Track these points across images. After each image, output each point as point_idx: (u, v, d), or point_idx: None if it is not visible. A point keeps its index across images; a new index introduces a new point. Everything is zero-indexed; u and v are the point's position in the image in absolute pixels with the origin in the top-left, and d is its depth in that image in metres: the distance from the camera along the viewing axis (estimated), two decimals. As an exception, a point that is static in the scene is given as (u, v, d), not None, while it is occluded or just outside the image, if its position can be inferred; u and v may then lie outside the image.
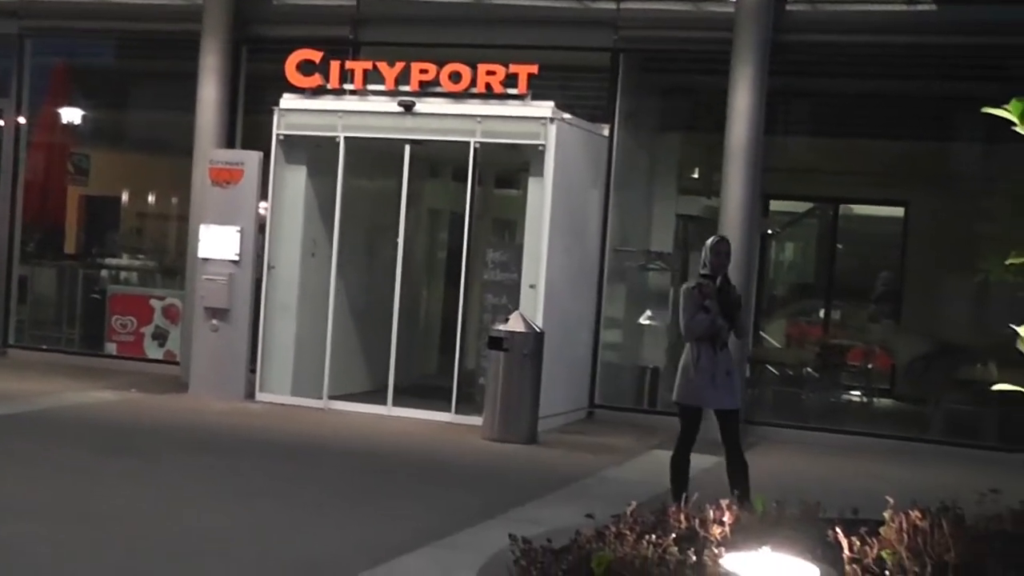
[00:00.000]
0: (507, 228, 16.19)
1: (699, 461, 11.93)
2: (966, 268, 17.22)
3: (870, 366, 17.36)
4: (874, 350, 17.94)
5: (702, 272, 9.14)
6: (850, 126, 16.24)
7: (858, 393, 16.84)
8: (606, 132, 14.65)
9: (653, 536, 6.45)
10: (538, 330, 12.54)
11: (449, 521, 8.74)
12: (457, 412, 13.31)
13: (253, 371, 14.20)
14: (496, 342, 12.40)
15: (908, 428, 14.77)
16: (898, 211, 18.92)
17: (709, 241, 9.21)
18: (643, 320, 15.88)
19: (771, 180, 14.79)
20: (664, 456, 12.32)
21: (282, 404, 13.88)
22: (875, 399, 16.98)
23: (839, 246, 19.10)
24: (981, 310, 17.82)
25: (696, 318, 9.01)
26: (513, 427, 12.35)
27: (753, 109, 13.65)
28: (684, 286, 9.26)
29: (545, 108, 13.15)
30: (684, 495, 9.07)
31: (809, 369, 16.53)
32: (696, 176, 17.28)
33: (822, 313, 18.89)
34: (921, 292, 18.24)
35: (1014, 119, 6.16)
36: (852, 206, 19.46)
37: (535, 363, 12.43)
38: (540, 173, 13.29)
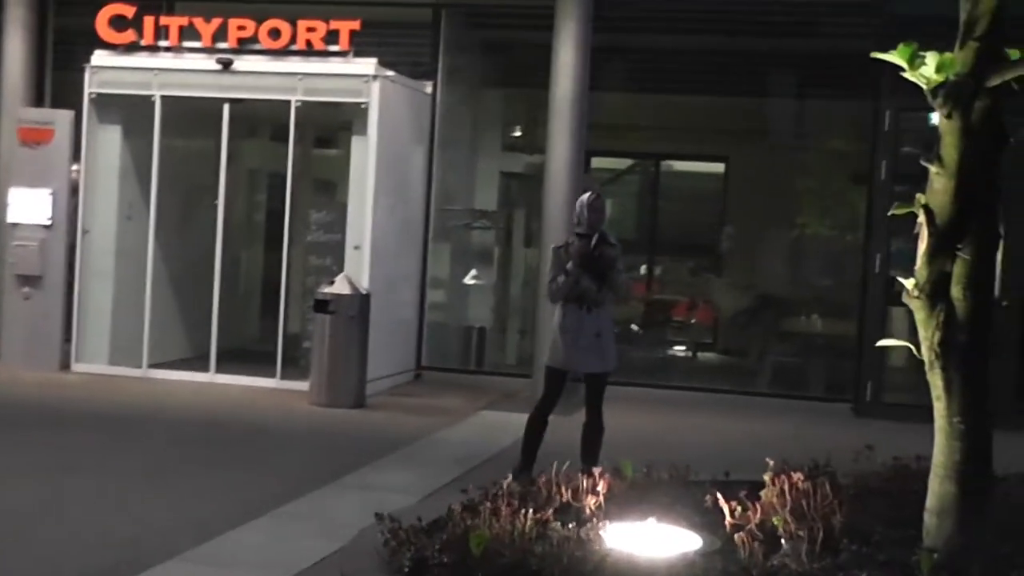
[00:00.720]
0: (330, 188, 15.89)
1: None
2: (784, 222, 17.53)
3: (693, 321, 17.61)
4: (697, 305, 18.16)
5: (577, 231, 8.90)
6: (671, 82, 16.32)
7: (683, 348, 17.08)
8: (429, 89, 14.45)
9: (530, 511, 6.21)
10: (364, 292, 12.33)
11: (281, 490, 8.51)
12: (282, 377, 13.03)
13: (68, 340, 13.66)
14: (321, 305, 12.15)
15: (734, 381, 14.98)
16: (719, 167, 19.18)
17: (584, 197, 8.93)
18: (468, 280, 15.79)
19: (593, 137, 14.68)
20: (493, 417, 12.34)
21: (100, 374, 13.38)
22: (700, 353, 17.23)
23: (661, 202, 19.26)
24: (799, 263, 18.18)
25: (553, 283, 8.86)
26: (340, 391, 12.13)
27: (577, 65, 13.58)
28: (553, 245, 9.04)
29: (368, 65, 12.89)
30: (533, 459, 9.02)
31: (634, 326, 16.66)
32: (520, 133, 17.20)
33: (644, 269, 19.04)
34: (742, 246, 18.51)
35: (902, 64, 6.13)
36: (673, 162, 19.62)
37: (361, 325, 12.23)
38: (363, 132, 13.04)
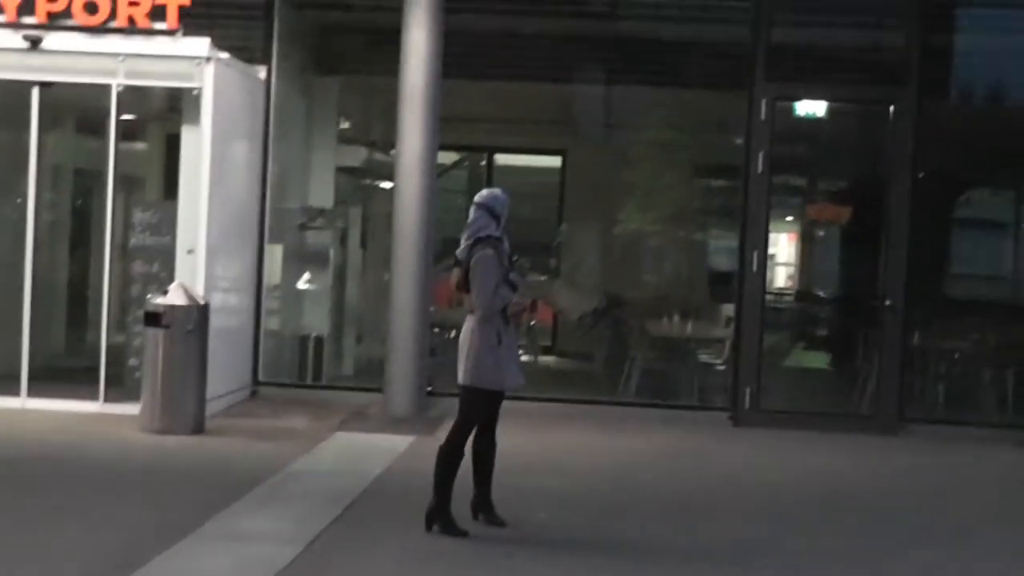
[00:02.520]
0: (158, 185, 14.31)
1: (392, 443, 10.81)
2: (634, 219, 16.69)
3: (532, 323, 16.48)
4: (535, 306, 17.13)
5: (491, 234, 7.71)
6: (506, 68, 15.11)
7: (520, 352, 15.85)
8: (263, 75, 13.03)
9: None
10: (202, 302, 10.88)
11: (126, 547, 7.04)
12: (107, 400, 11.43)
13: None
14: (153, 318, 10.64)
15: (596, 390, 13.97)
16: (556, 160, 18.32)
17: (501, 194, 7.85)
18: (302, 284, 14.41)
19: None
20: (350, 440, 11.03)
21: None
22: (539, 357, 16.18)
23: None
24: (640, 261, 17.39)
25: (500, 291, 7.64)
26: (177, 415, 10.65)
27: (430, 50, 12.30)
28: (482, 251, 7.64)
29: (200, 46, 11.41)
30: (450, 495, 7.84)
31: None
32: (357, 125, 15.88)
33: None
34: (583, 245, 17.69)
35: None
36: (508, 155, 18.66)
37: (200, 341, 10.77)
38: (196, 121, 11.58)
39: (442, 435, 11.17)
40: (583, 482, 9.58)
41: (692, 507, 8.97)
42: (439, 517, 7.71)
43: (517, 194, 19.40)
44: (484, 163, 18.48)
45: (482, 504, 7.99)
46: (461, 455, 7.82)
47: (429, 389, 12.68)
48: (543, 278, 18.15)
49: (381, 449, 10.56)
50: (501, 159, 18.56)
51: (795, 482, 10.07)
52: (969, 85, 14.05)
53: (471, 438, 7.90)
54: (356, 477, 9.30)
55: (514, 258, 7.81)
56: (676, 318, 14.98)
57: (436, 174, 12.89)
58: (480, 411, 7.84)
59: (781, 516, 8.84)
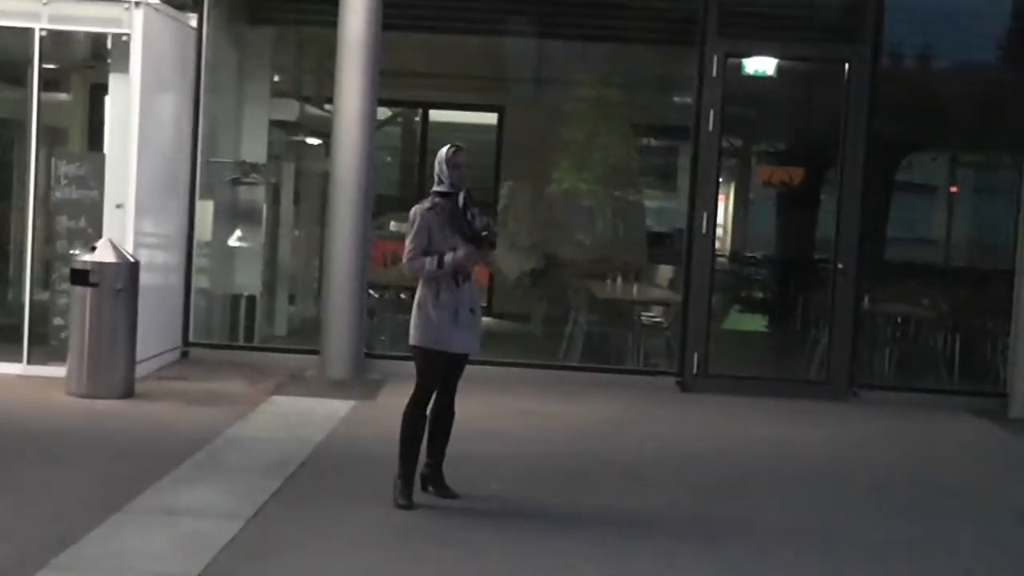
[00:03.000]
0: (84, 135, 13.66)
1: (331, 408, 10.36)
2: (560, 178, 16.29)
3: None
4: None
5: (438, 189, 7.36)
6: (444, 21, 14.47)
7: (475, 316, 15.37)
8: (194, 23, 12.43)
9: None
10: (132, 260, 10.33)
11: (57, 523, 6.56)
12: (31, 362, 10.86)
13: None
14: (81, 276, 10.06)
15: (540, 354, 13.56)
16: (492, 117, 17.87)
17: (442, 152, 7.38)
18: (233, 241, 13.87)
19: None
20: (287, 404, 10.55)
21: None
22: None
23: (429, 157, 17.76)
24: (580, 221, 17.02)
25: (416, 261, 7.28)
26: (105, 378, 10.11)
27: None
28: (416, 207, 7.38)
29: (130, -11, 10.84)
30: (416, 466, 7.45)
31: (404, 295, 14.75)
32: (291, 77, 15.30)
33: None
34: (520, 204, 17.26)
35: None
36: (443, 112, 18.15)
37: (129, 300, 10.22)
38: (124, 69, 10.97)
39: (383, 399, 10.95)
40: (532, 451, 9.21)
41: (648, 478, 8.62)
42: (404, 494, 7.33)
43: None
44: (418, 119, 18.00)
45: (433, 475, 7.59)
46: (418, 420, 7.42)
47: (367, 352, 12.26)
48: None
49: (320, 415, 10.11)
50: (436, 115, 18.05)
51: (749, 451, 9.75)
52: (929, 45, 13.70)
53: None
54: (296, 444, 8.85)
55: (469, 211, 7.35)
56: (619, 280, 14.63)
57: (375, 129, 12.39)
58: (426, 373, 7.42)
59: (742, 489, 8.51)
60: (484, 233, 7.28)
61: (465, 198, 7.33)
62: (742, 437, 10.32)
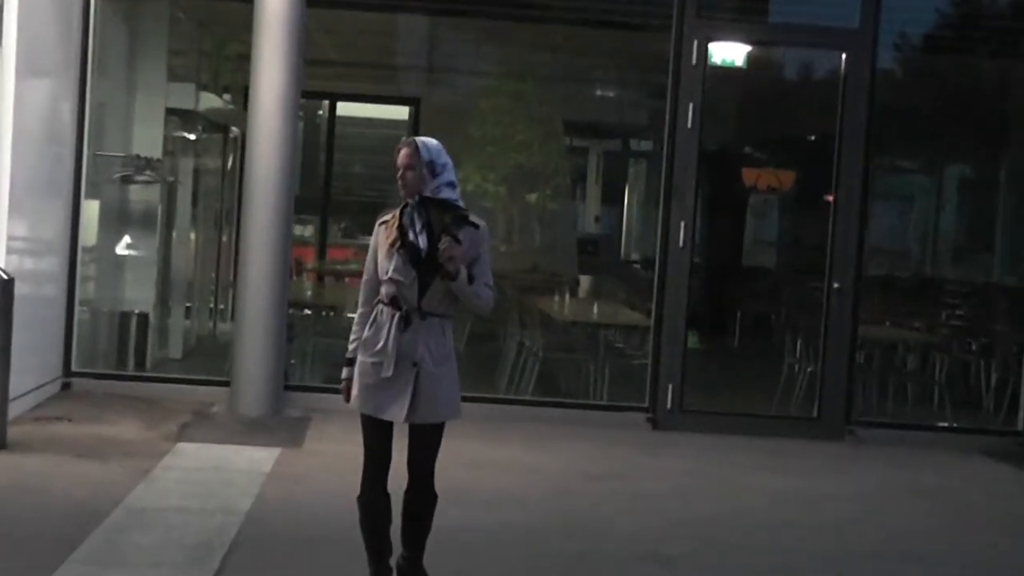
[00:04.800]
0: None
1: (252, 459, 8.48)
2: (484, 179, 14.59)
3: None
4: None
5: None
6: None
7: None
8: (81, -9, 10.47)
9: None
10: (5, 277, 8.32)
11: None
12: None
13: None
14: (-61, 296, 8.06)
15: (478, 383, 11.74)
16: (405, 111, 16.23)
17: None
18: (122, 249, 11.88)
19: (243, 72, 11.21)
20: (197, 454, 8.58)
21: None
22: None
23: (337, 153, 16.04)
24: (514, 230, 15.41)
25: (365, 282, 5.63)
26: (-31, 424, 8.11)
27: (294, -34, 9.98)
28: (380, 218, 5.67)
29: (3, -56, 8.82)
30: (387, 551, 5.64)
31: (307, 309, 12.71)
32: (194, 58, 13.27)
33: (314, 233, 15.81)
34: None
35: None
36: (353, 104, 16.37)
37: (3, 326, 8.23)
38: (-4, 42, 8.99)
39: (312, 445, 9.05)
40: (507, 521, 7.41)
41: (674, 561, 6.85)
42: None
43: (361, 148, 17.59)
44: (323, 112, 16.23)
45: (410, 571, 5.75)
46: (366, 503, 5.61)
47: (285, 383, 10.36)
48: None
49: (241, 468, 8.22)
50: (345, 108, 16.25)
51: (769, 514, 8.08)
52: (933, 34, 12.13)
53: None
54: (221, 517, 6.94)
55: (414, 227, 5.49)
56: (567, 297, 12.98)
57: (298, 119, 10.51)
58: (366, 441, 5.62)
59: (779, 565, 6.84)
60: (430, 251, 5.44)
61: (414, 210, 5.50)
62: (750, 492, 8.64)
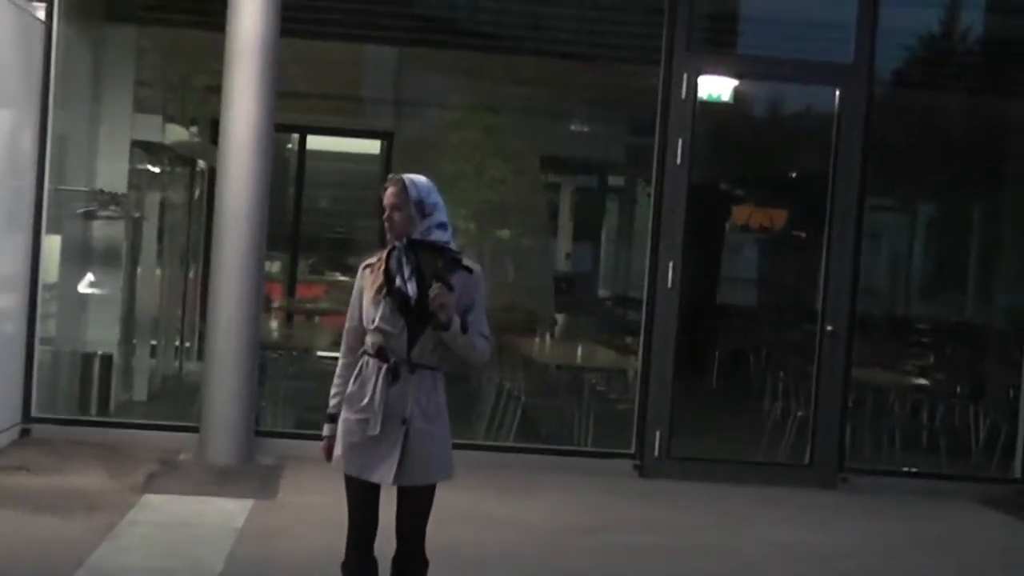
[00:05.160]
0: None
1: (224, 512, 7.99)
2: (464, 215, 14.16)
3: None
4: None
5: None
6: (350, 28, 11.97)
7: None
8: (42, 13, 9.98)
9: None
10: (-39, 318, 7.85)
11: None
12: None
13: None
14: None
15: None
16: (376, 144, 15.89)
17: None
18: (85, 287, 11.38)
19: (210, 103, 11.00)
20: (164, 507, 8.09)
21: None
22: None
23: (307, 189, 15.67)
24: (497, 268, 14.99)
25: (348, 331, 5.25)
26: (-80, 476, 7.60)
27: (268, -6, 9.57)
28: (364, 262, 5.26)
29: (-39, -35, 8.37)
30: None
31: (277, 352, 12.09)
32: (162, 88, 12.80)
33: (281, 270, 15.41)
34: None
35: None
36: (324, 137, 15.98)
37: (-43, 371, 7.75)
38: (-48, 68, 8.53)
39: (286, 496, 8.57)
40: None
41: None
42: None
43: (332, 183, 17.17)
44: (291, 146, 15.85)
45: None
46: (348, 566, 5.17)
47: (256, 429, 9.88)
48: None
49: (211, 523, 7.74)
50: (315, 141, 15.84)
51: (776, 567, 7.68)
52: (930, 68, 11.79)
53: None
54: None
55: (402, 271, 5.05)
56: (547, 337, 12.56)
57: (271, 153, 10.06)
58: (349, 502, 5.18)
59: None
60: (420, 298, 5.01)
61: (402, 253, 5.07)
62: (753, 546, 8.24)
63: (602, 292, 15.69)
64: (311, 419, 11.18)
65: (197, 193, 13.99)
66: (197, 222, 13.80)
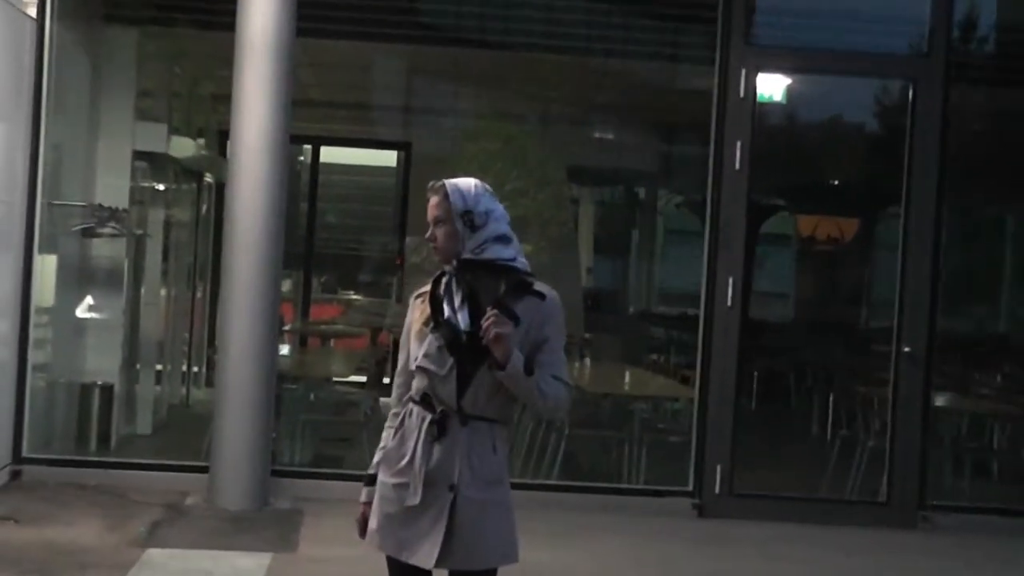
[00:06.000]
0: None
1: (237, 570, 7.00)
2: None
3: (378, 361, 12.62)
4: (380, 334, 13.61)
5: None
6: (370, 27, 10.92)
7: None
8: (33, 10, 9.04)
9: None
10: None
11: None
12: None
13: None
14: None
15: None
16: (392, 156, 15.11)
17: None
18: (83, 311, 10.42)
19: (219, 112, 10.43)
20: (169, 563, 7.16)
21: None
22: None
23: (320, 203, 14.86)
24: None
25: (398, 374, 4.27)
26: None
27: (282, -8, 8.60)
28: (416, 292, 4.27)
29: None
30: None
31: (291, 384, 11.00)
32: (165, 93, 11.81)
33: (295, 289, 14.54)
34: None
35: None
36: (337, 148, 15.10)
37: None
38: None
39: (308, 548, 7.58)
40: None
41: None
42: None
43: (347, 197, 16.30)
44: (303, 159, 15.05)
45: None
46: None
47: (272, 468, 8.89)
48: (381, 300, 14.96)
49: (220, 582, 6.75)
50: (329, 153, 14.90)
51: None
52: (1008, 61, 10.73)
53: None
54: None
55: (452, 300, 4.10)
56: (584, 360, 11.57)
57: (288, 162, 9.12)
58: None
59: None
60: (473, 333, 4.02)
61: (452, 278, 4.12)
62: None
63: (632, 309, 14.74)
64: (330, 455, 10.32)
65: (204, 208, 13.09)
66: (204, 239, 12.93)
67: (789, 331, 12.41)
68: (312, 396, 10.51)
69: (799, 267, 12.19)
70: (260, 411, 8.58)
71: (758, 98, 9.26)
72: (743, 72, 9.14)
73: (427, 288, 4.20)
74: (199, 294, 13.07)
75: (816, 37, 9.54)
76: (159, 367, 11.58)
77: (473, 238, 4.09)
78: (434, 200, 4.15)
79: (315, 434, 10.02)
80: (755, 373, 11.11)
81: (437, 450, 4.04)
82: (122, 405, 10.42)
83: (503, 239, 4.14)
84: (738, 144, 9.12)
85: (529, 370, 4.02)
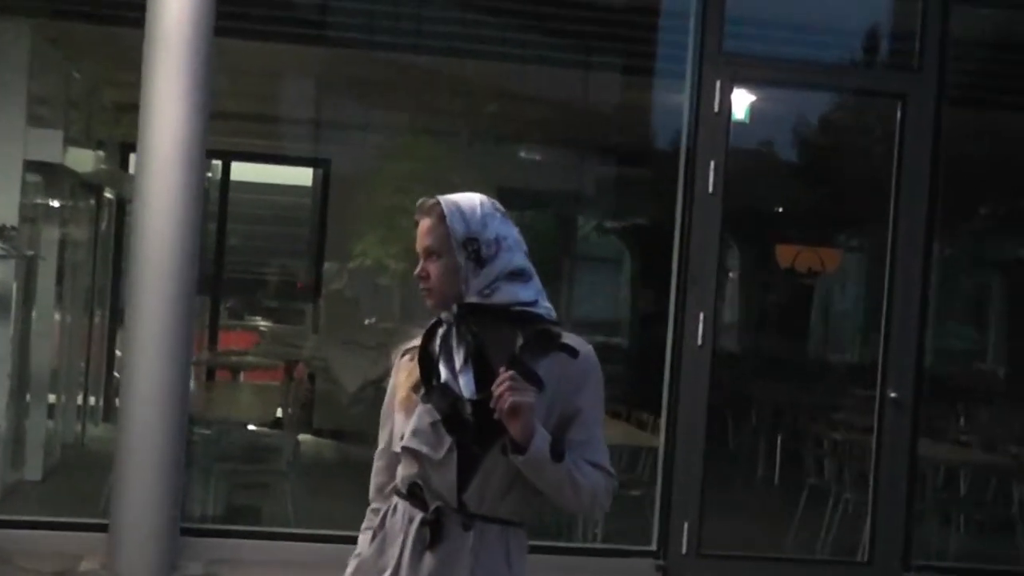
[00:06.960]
0: None
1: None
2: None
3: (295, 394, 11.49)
4: (295, 366, 12.52)
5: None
6: (294, 26, 9.93)
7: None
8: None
9: None
10: None
11: None
12: None
13: None
14: None
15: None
16: (308, 173, 14.18)
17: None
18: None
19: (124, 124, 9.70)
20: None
21: None
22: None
23: (231, 223, 13.87)
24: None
25: (378, 456, 3.27)
26: None
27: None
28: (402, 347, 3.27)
29: None
30: None
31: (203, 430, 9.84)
32: (61, 97, 10.60)
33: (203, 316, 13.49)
34: (352, 290, 13.69)
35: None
36: (248, 165, 14.11)
37: None
38: None
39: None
40: None
41: None
42: None
43: (263, 216, 15.31)
44: (211, 175, 13.97)
45: None
46: None
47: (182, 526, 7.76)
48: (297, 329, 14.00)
49: None
50: (241, 170, 13.88)
51: None
52: (1004, 77, 9.92)
53: None
54: None
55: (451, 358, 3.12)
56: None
57: (204, 174, 8.05)
58: None
59: None
60: (480, 403, 3.03)
61: (450, 329, 3.13)
62: None
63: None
64: (245, 506, 9.20)
65: (104, 226, 11.96)
66: (104, 261, 11.84)
67: (759, 371, 11.54)
68: (222, 440, 9.36)
69: (773, 301, 11.31)
70: (168, 460, 7.45)
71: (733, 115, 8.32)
72: (718, 84, 8.21)
73: (416, 342, 3.16)
74: (97, 320, 11.95)
75: (795, 48, 8.68)
76: (52, 400, 10.42)
77: (480, 275, 3.09)
78: (426, 224, 3.15)
79: (228, 484, 8.88)
80: (727, 420, 10.20)
81: (430, 561, 3.03)
82: (7, 446, 9.24)
83: (520, 275, 3.14)
84: (711, 165, 8.19)
85: (558, 454, 3.00)
